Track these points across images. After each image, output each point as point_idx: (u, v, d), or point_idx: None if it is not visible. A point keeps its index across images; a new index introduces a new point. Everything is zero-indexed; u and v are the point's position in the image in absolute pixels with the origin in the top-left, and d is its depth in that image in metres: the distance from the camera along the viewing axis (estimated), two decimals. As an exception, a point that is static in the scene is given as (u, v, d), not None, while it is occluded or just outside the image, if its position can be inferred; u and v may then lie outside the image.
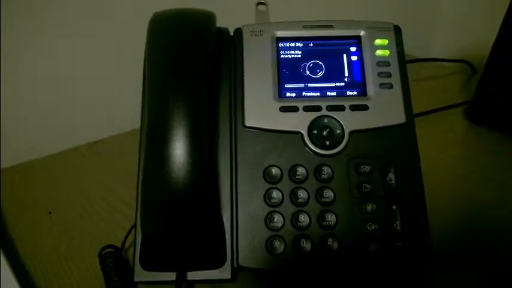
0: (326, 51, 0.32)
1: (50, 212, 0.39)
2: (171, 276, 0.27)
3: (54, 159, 0.46)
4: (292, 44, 0.32)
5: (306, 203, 0.28)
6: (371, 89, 0.31)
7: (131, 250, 0.30)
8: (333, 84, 0.31)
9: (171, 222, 0.26)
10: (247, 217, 0.28)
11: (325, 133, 0.29)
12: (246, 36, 0.32)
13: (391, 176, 0.29)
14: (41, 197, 0.40)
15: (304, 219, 0.28)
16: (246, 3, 0.35)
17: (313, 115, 0.30)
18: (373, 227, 0.28)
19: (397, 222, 0.28)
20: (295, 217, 0.28)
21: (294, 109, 0.30)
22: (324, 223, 0.28)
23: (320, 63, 0.32)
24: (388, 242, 0.28)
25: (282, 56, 0.32)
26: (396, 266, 0.28)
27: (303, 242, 0.27)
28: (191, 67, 0.26)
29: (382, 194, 0.28)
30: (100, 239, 0.35)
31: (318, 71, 0.31)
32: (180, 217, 0.25)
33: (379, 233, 0.28)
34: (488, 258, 0.31)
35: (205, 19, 0.29)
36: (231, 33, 0.33)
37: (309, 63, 0.31)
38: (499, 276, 0.30)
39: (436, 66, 0.58)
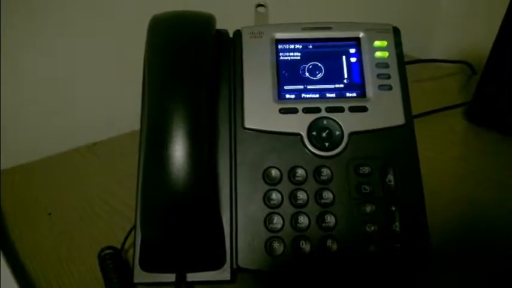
0: (325, 53, 0.32)
1: (50, 213, 0.39)
2: (170, 277, 0.27)
3: (54, 160, 0.46)
4: (292, 46, 0.32)
5: (306, 204, 0.28)
6: (370, 90, 0.31)
7: (131, 251, 0.30)
8: (332, 86, 0.31)
9: (170, 224, 0.26)
10: (247, 218, 0.28)
11: (324, 134, 0.29)
12: (245, 38, 0.32)
13: (391, 177, 0.29)
14: (41, 198, 0.40)
15: (303, 220, 0.28)
16: (246, 5, 0.35)
17: (313, 117, 0.30)
18: (372, 228, 0.28)
19: (397, 224, 0.28)
20: (294, 218, 0.28)
21: (294, 111, 0.30)
22: (323, 224, 0.28)
23: (319, 64, 0.32)
24: (387, 243, 0.28)
25: (281, 57, 0.32)
26: (395, 267, 0.28)
27: (302, 243, 0.27)
28: (191, 69, 0.27)
29: (381, 195, 0.28)
30: (100, 240, 0.35)
31: (317, 72, 0.31)
32: (179, 219, 0.26)
33: (379, 234, 0.28)
34: (488, 258, 0.31)
35: (205, 21, 0.30)
36: (231, 35, 0.33)
37: (308, 65, 0.32)
38: (499, 276, 0.30)
39: (435, 67, 0.58)
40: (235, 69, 0.31)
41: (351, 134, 0.29)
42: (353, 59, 0.32)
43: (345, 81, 0.31)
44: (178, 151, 0.24)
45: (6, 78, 0.45)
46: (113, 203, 0.39)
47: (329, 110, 0.30)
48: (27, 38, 0.45)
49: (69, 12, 0.46)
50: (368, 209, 0.28)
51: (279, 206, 0.28)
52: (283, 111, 0.30)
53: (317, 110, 0.30)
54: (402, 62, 0.31)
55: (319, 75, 0.31)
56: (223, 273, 0.28)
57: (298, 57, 0.32)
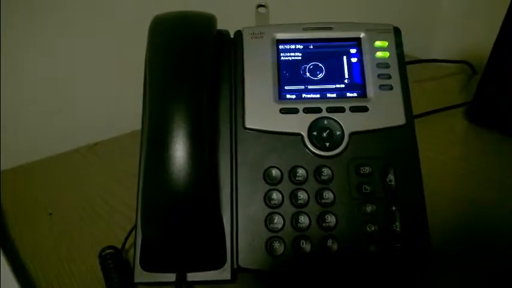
0: (326, 53, 0.32)
1: (50, 213, 0.39)
2: (171, 277, 0.27)
3: (55, 160, 0.46)
4: (292, 46, 0.32)
5: (306, 204, 0.28)
6: (371, 90, 0.31)
7: (131, 251, 0.30)
8: (333, 86, 0.31)
9: (171, 224, 0.26)
10: (247, 218, 0.28)
11: (325, 134, 0.29)
12: (246, 38, 0.32)
13: (391, 177, 0.29)
14: (41, 198, 0.40)
15: (304, 220, 0.28)
16: (246, 5, 0.35)
17: (313, 117, 0.30)
18: (372, 228, 0.28)
19: (397, 224, 0.28)
20: (295, 218, 0.28)
21: (294, 111, 0.30)
22: (324, 224, 0.28)
23: (320, 65, 0.32)
24: (387, 243, 0.28)
25: (282, 58, 0.32)
26: (396, 267, 0.28)
27: (302, 243, 0.28)
28: (192, 70, 0.27)
29: (381, 195, 0.29)
30: (100, 240, 0.35)
31: (318, 72, 0.31)
32: (180, 218, 0.26)
33: (379, 234, 0.28)
34: (488, 258, 0.31)
35: (206, 22, 0.30)
36: (232, 36, 0.33)
37: (309, 65, 0.32)
38: (499, 276, 0.30)
39: (436, 67, 0.58)
40: (236, 70, 0.31)
41: (352, 134, 0.29)
42: (354, 59, 0.32)
43: (346, 81, 0.31)
44: (179, 151, 0.24)
45: (6, 78, 0.45)
46: (114, 203, 0.39)
47: (330, 110, 0.30)
48: (27, 38, 0.45)
49: (69, 12, 0.46)
50: (368, 209, 0.28)
51: (279, 205, 0.28)
52: (283, 111, 0.30)
53: (318, 110, 0.30)
54: (403, 62, 0.31)
55: (320, 76, 0.31)
56: (223, 273, 0.28)
57: (299, 58, 0.32)
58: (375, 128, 0.30)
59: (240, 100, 0.30)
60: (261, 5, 0.34)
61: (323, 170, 0.29)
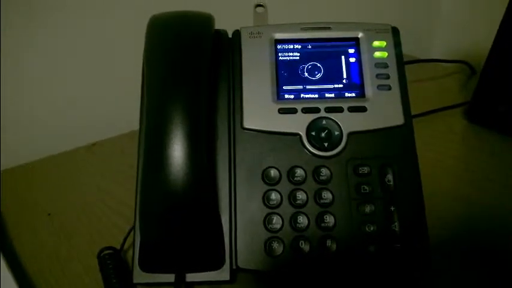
0: (324, 53, 0.32)
1: (49, 214, 0.39)
2: (170, 277, 0.27)
3: (54, 160, 0.46)
4: (291, 46, 0.32)
5: (305, 204, 0.28)
6: (369, 90, 0.31)
7: (130, 252, 0.30)
8: (331, 86, 0.31)
9: (170, 224, 0.26)
10: (246, 219, 0.28)
11: (323, 135, 0.29)
12: (244, 38, 0.32)
13: (390, 177, 0.29)
14: (40, 199, 0.40)
15: (302, 220, 0.28)
16: (245, 5, 0.35)
17: (312, 117, 0.30)
18: (371, 228, 0.28)
19: (396, 224, 0.28)
20: (293, 218, 0.28)
21: (293, 111, 0.30)
22: (323, 224, 0.28)
23: (318, 65, 0.32)
24: (386, 243, 0.28)
25: (280, 58, 0.32)
26: (395, 267, 0.28)
27: (301, 243, 0.27)
28: (189, 70, 0.27)
29: (380, 195, 0.28)
30: (99, 240, 0.35)
31: (316, 72, 0.31)
32: (178, 219, 0.26)
33: (378, 234, 0.28)
34: (488, 258, 0.31)
35: (204, 21, 0.30)
36: (230, 36, 0.33)
37: (307, 65, 0.32)
38: (499, 276, 0.30)
39: (435, 66, 0.58)
40: (234, 70, 0.31)
41: (350, 134, 0.29)
42: (352, 59, 0.32)
43: (344, 81, 0.31)
44: (177, 152, 0.24)
45: (6, 78, 0.45)
46: (112, 203, 0.39)
47: (328, 110, 0.30)
48: (27, 38, 0.45)
49: (69, 12, 0.46)
50: (367, 209, 0.28)
51: (278, 206, 0.28)
52: (282, 111, 0.30)
53: (316, 110, 0.30)
54: (401, 62, 0.31)
55: (318, 76, 0.31)
56: (222, 274, 0.28)
57: (297, 58, 0.32)
58: (374, 128, 0.30)
59: (238, 100, 0.30)
60: (259, 5, 0.34)
61: (322, 170, 0.29)
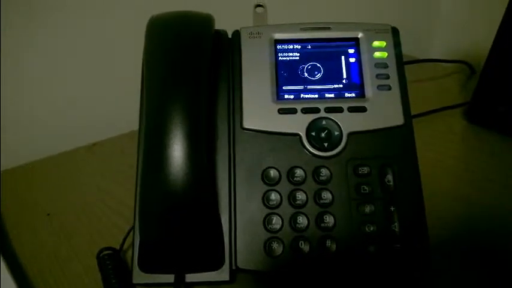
0: (324, 53, 0.32)
1: (48, 214, 0.39)
2: (169, 278, 0.27)
3: (53, 160, 0.46)
4: (290, 46, 0.32)
5: (304, 204, 0.28)
6: (369, 90, 0.31)
7: (130, 252, 0.30)
8: (331, 86, 0.31)
9: (169, 225, 0.26)
10: (246, 219, 0.28)
11: (323, 135, 0.29)
12: (244, 38, 0.32)
13: (390, 177, 0.29)
14: (39, 199, 0.40)
15: (302, 220, 0.28)
16: (244, 5, 0.35)
17: (312, 117, 0.30)
18: (371, 229, 0.28)
19: (396, 224, 0.28)
20: (293, 219, 0.28)
21: (292, 111, 0.30)
22: (322, 225, 0.28)
23: (318, 65, 0.32)
24: (386, 243, 0.28)
25: (280, 58, 0.32)
26: (395, 267, 0.28)
27: (301, 243, 0.27)
28: (189, 70, 0.27)
29: (380, 195, 0.28)
30: (98, 240, 0.35)
31: (316, 73, 0.31)
32: (178, 219, 0.25)
33: (378, 234, 0.28)
34: (488, 258, 0.31)
35: (204, 21, 0.30)
36: (229, 36, 0.33)
37: (307, 65, 0.32)
38: (499, 276, 0.30)
39: (435, 67, 0.58)
40: (234, 70, 0.31)
41: (350, 134, 0.29)
42: (352, 59, 0.32)
43: (344, 81, 0.31)
44: (177, 152, 0.24)
45: (6, 78, 0.45)
46: (112, 203, 0.39)
47: (328, 110, 0.30)
48: (27, 38, 0.45)
49: (69, 12, 0.46)
50: (367, 209, 0.28)
51: (278, 206, 0.28)
52: (282, 111, 0.30)
53: (316, 110, 0.30)
54: (401, 62, 0.31)
55: (318, 76, 0.31)
56: (222, 274, 0.28)
57: (297, 58, 0.32)
58: (374, 128, 0.30)
59: (238, 100, 0.30)
60: (259, 5, 0.34)
61: (321, 170, 0.29)
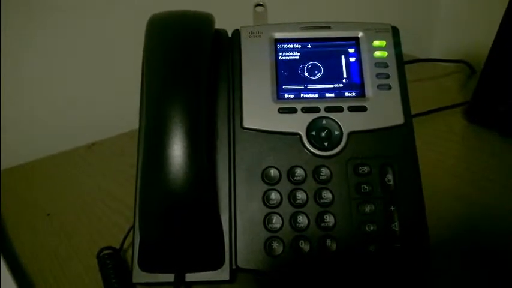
0: (324, 53, 0.32)
1: (48, 214, 0.39)
2: (169, 277, 0.27)
3: (53, 160, 0.46)
4: (291, 46, 0.32)
5: (305, 204, 0.28)
6: (369, 90, 0.31)
7: (130, 251, 0.30)
8: (331, 86, 0.31)
9: (169, 224, 0.26)
10: (246, 218, 0.28)
11: (323, 134, 0.29)
12: (244, 37, 0.32)
13: (390, 177, 0.29)
14: (39, 199, 0.40)
15: (302, 220, 0.28)
16: (244, 4, 0.35)
17: (312, 116, 0.30)
18: (371, 228, 0.28)
19: (396, 223, 0.28)
20: (293, 218, 0.28)
21: (292, 110, 0.30)
22: (323, 224, 0.28)
23: (318, 64, 0.32)
24: (386, 243, 0.28)
25: (280, 57, 0.32)
26: (395, 266, 0.28)
27: (301, 243, 0.27)
28: (189, 69, 0.26)
29: (380, 195, 0.28)
30: (98, 240, 0.35)
31: (316, 72, 0.31)
32: (178, 219, 0.25)
33: (378, 234, 0.28)
34: (488, 258, 0.31)
35: (204, 21, 0.29)
36: (229, 35, 0.33)
37: (307, 65, 0.32)
38: (499, 276, 0.30)
39: (434, 66, 0.58)
40: (234, 69, 0.31)
41: (350, 134, 0.29)
42: (352, 59, 0.32)
43: (344, 80, 0.31)
44: (177, 151, 0.24)
45: (6, 78, 0.45)
46: (112, 203, 0.39)
47: (328, 109, 0.30)
48: (27, 38, 0.45)
49: (69, 12, 0.46)
50: (367, 208, 0.28)
51: (278, 205, 0.28)
52: (282, 111, 0.30)
53: (316, 109, 0.30)
54: (401, 61, 0.31)
55: (318, 75, 0.31)
56: (222, 273, 0.27)
57: (297, 57, 0.32)
58: (374, 127, 0.30)
59: (238, 100, 0.30)
60: (259, 4, 0.34)
61: (321, 169, 0.29)
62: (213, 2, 0.38)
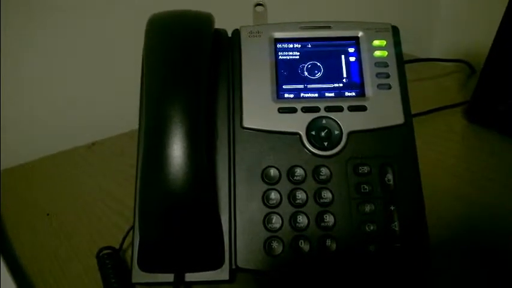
0: (324, 52, 0.32)
1: (48, 214, 0.39)
2: (169, 277, 0.27)
3: (53, 160, 0.46)
4: (290, 45, 0.32)
5: (304, 204, 0.28)
6: (369, 89, 0.31)
7: (129, 251, 0.30)
8: (331, 85, 0.31)
9: (169, 224, 0.26)
10: (246, 218, 0.28)
11: (323, 134, 0.29)
12: (244, 37, 0.32)
13: (390, 176, 0.29)
14: (39, 199, 0.40)
15: (302, 220, 0.28)
16: (244, 4, 0.35)
17: (312, 116, 0.30)
18: (371, 228, 0.28)
19: (396, 223, 0.28)
20: (293, 218, 0.28)
21: (292, 110, 0.30)
22: (322, 224, 0.28)
23: (318, 64, 0.31)
24: (386, 242, 0.28)
25: (280, 57, 0.32)
26: (395, 266, 0.28)
27: (301, 243, 0.27)
28: (189, 69, 0.26)
29: (380, 194, 0.28)
30: (99, 240, 0.35)
31: (316, 72, 0.31)
32: (178, 219, 0.25)
33: (378, 233, 0.28)
34: (488, 258, 0.31)
35: (203, 20, 0.29)
36: (229, 35, 0.33)
37: (307, 64, 0.31)
38: (499, 276, 0.30)
39: (434, 66, 0.58)
40: (234, 69, 0.31)
41: (350, 134, 0.29)
42: (352, 58, 0.32)
43: (344, 80, 0.31)
44: (177, 151, 0.24)
45: (6, 78, 0.45)
46: (111, 203, 0.39)
47: (328, 109, 0.30)
48: (27, 38, 0.45)
49: (69, 12, 0.46)
50: (367, 208, 0.28)
51: (277, 205, 0.28)
52: (282, 110, 0.30)
53: (316, 109, 0.30)
54: (401, 61, 0.31)
55: (318, 75, 0.31)
56: (221, 273, 0.27)
57: (297, 57, 0.32)
58: (374, 127, 0.30)
59: (238, 99, 0.30)
60: (259, 4, 0.34)
61: (321, 169, 0.29)
62: (213, 2, 0.38)
